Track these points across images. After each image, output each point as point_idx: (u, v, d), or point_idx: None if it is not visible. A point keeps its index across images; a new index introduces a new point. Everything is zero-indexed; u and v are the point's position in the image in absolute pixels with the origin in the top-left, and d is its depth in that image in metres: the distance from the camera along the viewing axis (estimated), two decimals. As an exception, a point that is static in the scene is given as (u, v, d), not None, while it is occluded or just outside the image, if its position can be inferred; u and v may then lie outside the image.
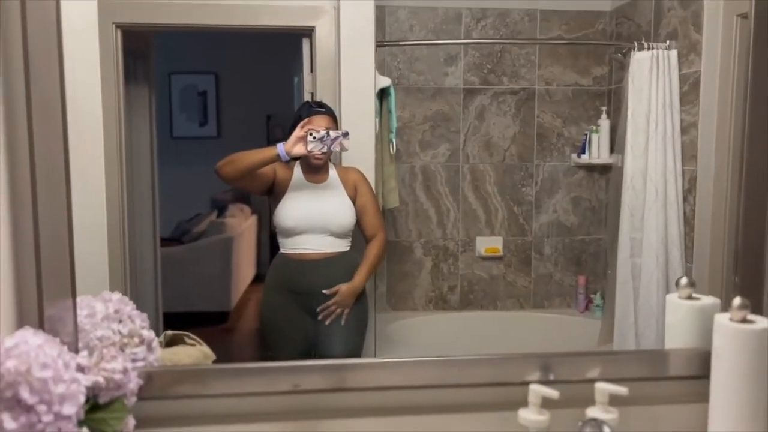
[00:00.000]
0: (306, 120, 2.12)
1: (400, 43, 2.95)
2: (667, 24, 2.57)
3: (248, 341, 4.44)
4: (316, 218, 2.16)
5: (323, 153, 2.09)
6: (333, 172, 2.25)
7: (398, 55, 3.00)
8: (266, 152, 2.08)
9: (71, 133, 1.08)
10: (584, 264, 3.18)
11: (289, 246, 2.18)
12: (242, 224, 4.85)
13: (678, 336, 1.12)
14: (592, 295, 3.12)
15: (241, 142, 5.50)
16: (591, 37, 3.06)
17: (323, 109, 2.18)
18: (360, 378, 1.05)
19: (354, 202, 2.22)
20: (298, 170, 2.23)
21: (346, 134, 2.11)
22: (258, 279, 5.35)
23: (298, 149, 2.06)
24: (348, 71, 2.34)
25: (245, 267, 4.99)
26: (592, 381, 1.05)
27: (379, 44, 2.58)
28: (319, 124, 2.11)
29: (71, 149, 1.18)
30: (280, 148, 2.05)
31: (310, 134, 2.06)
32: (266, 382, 1.06)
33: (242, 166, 2.07)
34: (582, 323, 3.04)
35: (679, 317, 1.12)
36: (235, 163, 2.07)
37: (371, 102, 2.37)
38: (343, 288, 2.16)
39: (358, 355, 2.23)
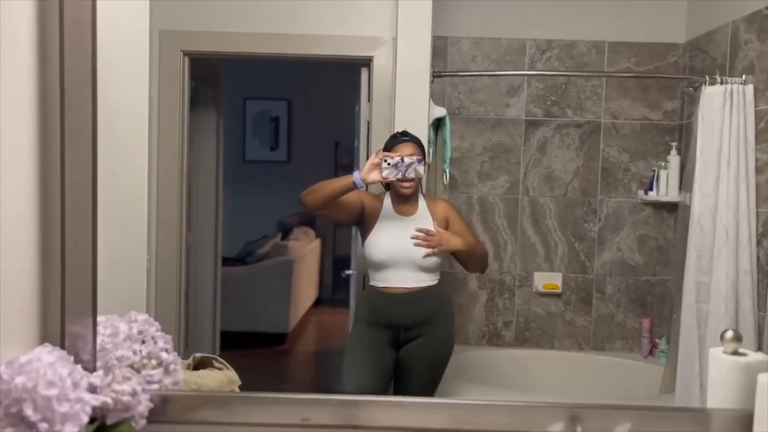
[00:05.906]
0: (380, 148, 2.16)
1: (459, 73, 2.93)
2: (744, 57, 2.43)
3: (304, 364, 4.46)
4: (404, 252, 2.16)
5: (398, 179, 2.09)
6: (422, 204, 2.24)
7: (459, 85, 2.98)
8: (343, 180, 2.12)
9: (116, 155, 1.13)
10: (649, 306, 3.01)
11: (378, 279, 2.20)
12: (305, 247, 4.92)
13: (721, 394, 1.02)
14: (657, 340, 2.94)
15: (309, 167, 5.61)
16: (662, 69, 2.94)
17: (407, 138, 2.20)
18: (371, 417, 1.02)
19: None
20: (387, 201, 2.24)
21: (420, 160, 2.10)
22: (319, 302, 5.39)
23: (374, 176, 2.08)
24: (403, 100, 2.36)
25: (306, 290, 5.04)
26: (621, 437, 0.98)
27: (437, 74, 2.57)
28: (403, 152, 2.13)
29: (116, 169, 1.23)
30: (356, 176, 2.09)
31: (385, 161, 2.06)
32: (279, 413, 1.05)
33: (322, 195, 2.12)
34: (644, 369, 2.87)
35: (722, 374, 1.02)
36: (316, 192, 2.13)
37: (424, 131, 2.36)
38: (448, 233, 2.19)
39: (434, 387, 2.22)
